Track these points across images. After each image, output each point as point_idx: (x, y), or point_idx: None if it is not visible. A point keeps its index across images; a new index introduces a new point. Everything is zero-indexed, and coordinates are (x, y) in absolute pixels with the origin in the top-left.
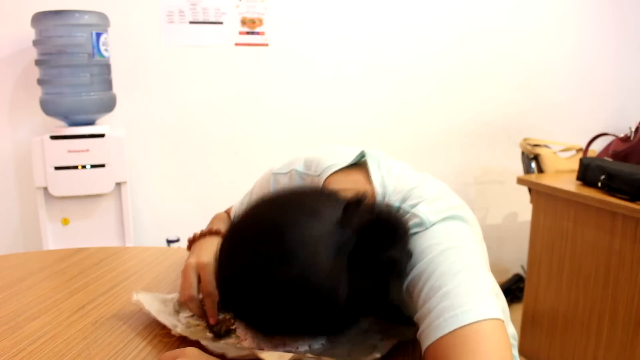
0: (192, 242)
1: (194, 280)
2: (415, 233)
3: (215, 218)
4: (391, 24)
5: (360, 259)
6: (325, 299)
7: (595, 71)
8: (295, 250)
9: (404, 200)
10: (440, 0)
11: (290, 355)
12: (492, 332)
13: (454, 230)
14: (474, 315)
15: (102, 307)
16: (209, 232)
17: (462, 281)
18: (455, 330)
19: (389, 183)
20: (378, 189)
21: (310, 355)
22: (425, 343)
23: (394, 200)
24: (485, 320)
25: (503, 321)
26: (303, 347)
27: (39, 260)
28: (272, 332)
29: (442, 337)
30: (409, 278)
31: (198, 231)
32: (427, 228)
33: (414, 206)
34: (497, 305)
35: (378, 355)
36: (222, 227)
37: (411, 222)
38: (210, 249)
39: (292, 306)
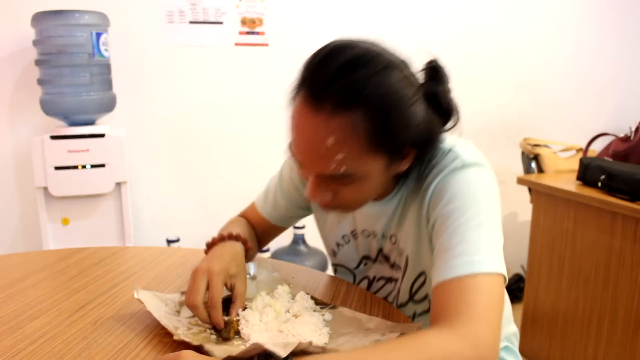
0: (210, 246)
1: (202, 286)
2: (452, 171)
3: (231, 222)
4: (390, 23)
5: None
6: (401, 89)
7: (595, 71)
8: (385, 52)
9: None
10: (440, 0)
11: (295, 344)
12: (494, 286)
13: (485, 180)
14: (486, 267)
15: (102, 307)
16: (228, 237)
17: (483, 232)
18: (466, 276)
19: None
20: None
21: (315, 345)
22: (437, 278)
23: None
24: (493, 274)
25: (506, 279)
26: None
27: (39, 260)
28: (351, 102)
29: (453, 279)
30: (436, 215)
31: (216, 235)
32: (463, 167)
33: (453, 146)
34: (503, 262)
35: None
36: (241, 231)
37: (448, 158)
38: (224, 257)
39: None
